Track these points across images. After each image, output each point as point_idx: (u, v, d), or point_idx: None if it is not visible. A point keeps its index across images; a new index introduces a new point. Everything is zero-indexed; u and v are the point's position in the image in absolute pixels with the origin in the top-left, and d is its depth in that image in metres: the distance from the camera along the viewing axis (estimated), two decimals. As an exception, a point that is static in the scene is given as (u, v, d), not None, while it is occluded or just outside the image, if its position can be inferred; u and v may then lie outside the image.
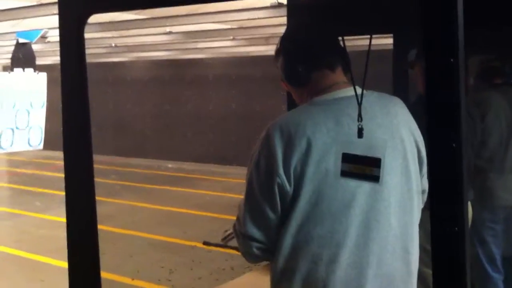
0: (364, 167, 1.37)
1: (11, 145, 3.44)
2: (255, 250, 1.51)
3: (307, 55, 1.54)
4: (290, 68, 1.55)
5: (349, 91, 1.49)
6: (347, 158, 1.38)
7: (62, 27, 1.40)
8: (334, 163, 1.41)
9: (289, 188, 1.42)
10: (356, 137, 1.38)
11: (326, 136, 1.42)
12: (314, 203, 1.41)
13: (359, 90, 1.48)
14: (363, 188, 1.42)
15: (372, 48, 1.38)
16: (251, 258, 1.56)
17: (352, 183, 1.42)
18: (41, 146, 3.67)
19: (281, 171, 1.41)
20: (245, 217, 1.50)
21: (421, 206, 1.60)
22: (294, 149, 1.41)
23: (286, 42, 1.57)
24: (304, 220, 1.43)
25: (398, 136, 1.47)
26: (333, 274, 1.41)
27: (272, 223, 1.47)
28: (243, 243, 1.53)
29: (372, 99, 1.48)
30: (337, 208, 1.41)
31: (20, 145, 3.50)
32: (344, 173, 1.39)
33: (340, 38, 1.58)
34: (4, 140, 3.40)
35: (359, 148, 1.40)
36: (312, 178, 1.41)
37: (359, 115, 1.31)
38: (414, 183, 1.50)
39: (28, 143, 3.55)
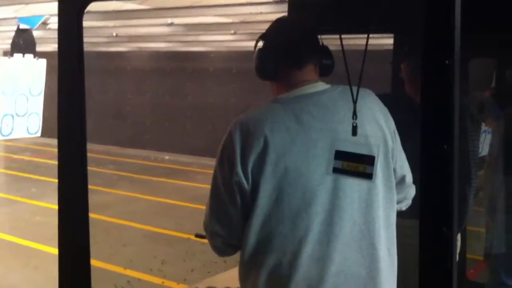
0: (357, 165, 1.38)
1: (11, 132, 3.45)
2: (219, 244, 1.56)
3: (273, 51, 1.56)
4: (258, 61, 1.57)
5: (313, 88, 1.51)
6: (339, 155, 1.39)
7: (61, 14, 1.40)
8: (294, 161, 1.42)
9: (247, 187, 1.44)
10: (316, 134, 1.41)
11: (285, 134, 1.43)
12: (274, 201, 1.43)
13: (323, 87, 1.51)
14: (324, 185, 1.43)
15: (375, 48, 1.38)
16: (218, 251, 1.60)
17: (313, 181, 1.42)
18: (39, 134, 3.67)
19: (239, 169, 1.43)
20: (210, 213, 1.54)
21: (403, 194, 1.61)
22: (252, 147, 1.42)
23: (260, 37, 1.60)
24: (266, 217, 1.44)
25: (362, 132, 1.45)
26: (296, 270, 1.43)
27: (234, 219, 1.50)
28: (209, 237, 1.57)
29: (335, 94, 1.48)
30: (298, 206, 1.42)
31: (19, 132, 3.51)
32: (336, 170, 1.40)
33: (314, 34, 1.58)
34: (4, 126, 3.41)
35: (320, 146, 1.42)
36: (270, 176, 1.42)
37: (354, 113, 1.31)
38: (380, 177, 1.49)
39: (27, 130, 3.55)
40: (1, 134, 3.40)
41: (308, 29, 1.60)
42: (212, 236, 1.55)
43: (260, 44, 1.59)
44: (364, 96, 1.53)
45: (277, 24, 1.63)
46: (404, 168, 1.60)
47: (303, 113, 1.45)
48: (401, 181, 1.59)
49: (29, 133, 3.58)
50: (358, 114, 1.44)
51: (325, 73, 1.58)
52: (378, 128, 1.51)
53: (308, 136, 1.43)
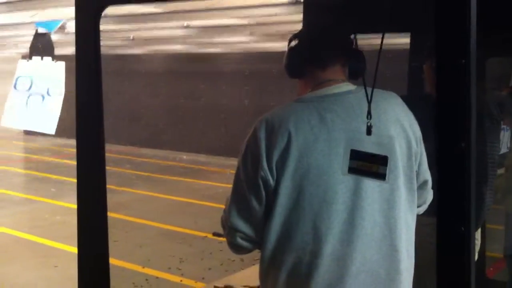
0: (371, 165, 1.38)
1: (18, 122, 3.48)
2: (239, 240, 1.55)
3: (301, 50, 1.58)
4: (288, 59, 1.60)
5: (337, 88, 1.52)
6: (353, 154, 1.39)
7: (78, 18, 1.42)
8: (317, 159, 1.42)
9: (272, 182, 1.45)
10: (340, 133, 1.42)
11: (309, 132, 1.43)
12: (295, 199, 1.43)
13: (348, 87, 1.51)
14: (346, 184, 1.43)
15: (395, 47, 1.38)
16: (236, 249, 1.59)
17: (335, 180, 1.42)
18: (52, 132, 3.71)
19: (265, 164, 1.44)
20: (231, 209, 1.54)
21: (423, 199, 1.61)
22: (276, 143, 1.43)
23: (292, 36, 1.63)
24: (287, 215, 1.45)
25: (386, 133, 1.46)
26: (316, 269, 1.43)
27: (257, 215, 1.50)
28: (228, 233, 1.56)
29: (360, 95, 1.46)
30: (319, 204, 1.42)
31: (29, 124, 3.55)
32: (351, 170, 1.40)
33: (346, 35, 1.59)
34: (10, 116, 3.44)
35: (343, 145, 1.42)
36: (293, 173, 1.43)
37: (369, 113, 1.31)
38: (403, 179, 1.49)
39: (39, 125, 3.59)
40: (6, 122, 3.44)
41: (337, 31, 1.62)
42: (231, 232, 1.55)
43: (292, 44, 1.61)
44: (388, 98, 1.54)
45: (308, 25, 1.66)
46: (426, 173, 1.59)
47: (327, 112, 1.46)
48: (423, 186, 1.59)
49: (41, 128, 3.62)
50: (383, 116, 1.46)
51: (354, 75, 1.58)
52: (402, 131, 1.50)
53: (331, 135, 1.44)
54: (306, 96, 1.55)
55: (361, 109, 1.45)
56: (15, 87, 3.41)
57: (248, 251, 1.60)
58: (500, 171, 3.16)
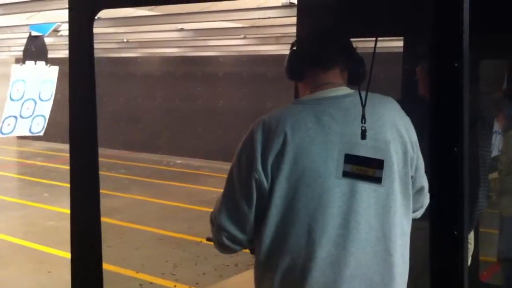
0: (367, 169, 1.38)
1: (12, 131, 3.51)
2: (225, 240, 1.55)
3: (300, 52, 1.60)
4: (288, 61, 1.61)
5: (334, 92, 1.52)
6: (349, 158, 1.39)
7: (72, 21, 1.42)
8: (312, 162, 1.42)
9: (266, 185, 1.45)
10: (336, 137, 1.42)
11: (305, 134, 1.44)
12: (290, 201, 1.44)
13: (345, 91, 1.52)
14: (341, 188, 1.43)
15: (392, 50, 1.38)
16: (221, 247, 1.60)
17: (330, 183, 1.42)
18: (41, 133, 3.76)
19: (259, 167, 1.44)
20: (221, 208, 1.54)
21: (420, 203, 1.61)
22: (273, 145, 1.44)
23: (294, 40, 1.65)
24: (282, 217, 1.45)
25: (382, 138, 1.47)
26: (310, 273, 1.43)
27: (246, 217, 1.50)
28: (216, 232, 1.57)
29: (357, 99, 1.46)
30: (314, 207, 1.42)
31: (21, 131, 3.58)
32: (345, 174, 1.40)
33: (346, 40, 1.60)
34: (5, 126, 3.46)
35: (338, 149, 1.42)
36: (288, 175, 1.43)
37: (363, 117, 1.32)
38: (398, 184, 1.49)
39: (30, 129, 3.61)
40: (1, 132, 3.46)
41: (337, 34, 1.63)
42: (218, 231, 1.55)
43: (293, 47, 1.63)
44: (385, 103, 1.54)
45: (309, 29, 1.67)
46: (423, 178, 1.60)
47: (323, 115, 1.47)
48: (420, 191, 1.59)
49: (31, 132, 3.65)
50: (379, 120, 1.47)
51: (354, 80, 1.59)
52: (398, 136, 1.51)
53: (327, 138, 1.44)
54: (303, 98, 1.56)
55: (358, 113, 1.45)
56: (10, 97, 3.41)
57: (233, 251, 1.61)
58: (493, 174, 3.18)
